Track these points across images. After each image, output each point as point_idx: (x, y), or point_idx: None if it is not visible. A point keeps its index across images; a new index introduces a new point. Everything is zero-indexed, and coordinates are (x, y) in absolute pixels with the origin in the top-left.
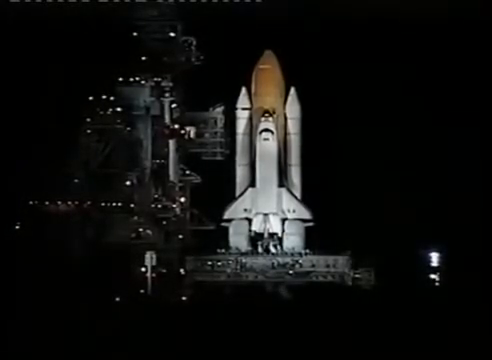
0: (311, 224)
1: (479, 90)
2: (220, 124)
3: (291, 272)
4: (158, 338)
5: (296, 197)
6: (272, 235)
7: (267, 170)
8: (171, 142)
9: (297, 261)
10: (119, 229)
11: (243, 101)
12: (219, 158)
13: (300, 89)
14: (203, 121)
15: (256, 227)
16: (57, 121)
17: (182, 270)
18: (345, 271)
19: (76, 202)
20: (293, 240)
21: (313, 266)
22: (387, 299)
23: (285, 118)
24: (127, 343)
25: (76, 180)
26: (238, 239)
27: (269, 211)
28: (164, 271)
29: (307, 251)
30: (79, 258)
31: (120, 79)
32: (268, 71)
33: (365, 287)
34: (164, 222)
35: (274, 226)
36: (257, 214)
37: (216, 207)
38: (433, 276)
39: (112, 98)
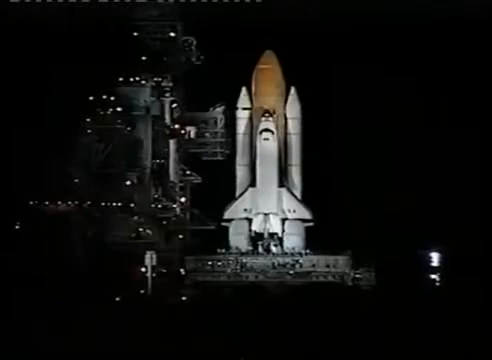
0: (311, 224)
1: (479, 90)
2: (220, 124)
3: (291, 272)
4: (158, 338)
5: (296, 197)
6: (272, 235)
7: (267, 170)
8: (171, 142)
9: (297, 261)
10: (119, 229)
11: (243, 101)
12: (219, 158)
13: (300, 89)
14: (203, 121)
15: (256, 227)
16: (57, 121)
17: (182, 270)
18: (345, 271)
19: (76, 202)
20: (293, 240)
21: (313, 266)
22: (387, 299)
23: (285, 118)
24: (127, 343)
25: (76, 180)
26: (238, 239)
27: (269, 211)
28: (164, 271)
29: (307, 251)
30: (79, 258)
31: (120, 79)
32: (268, 71)
33: (365, 287)
34: (164, 222)
35: (274, 226)
36: (257, 214)
37: (216, 207)
38: (433, 276)
39: (112, 98)
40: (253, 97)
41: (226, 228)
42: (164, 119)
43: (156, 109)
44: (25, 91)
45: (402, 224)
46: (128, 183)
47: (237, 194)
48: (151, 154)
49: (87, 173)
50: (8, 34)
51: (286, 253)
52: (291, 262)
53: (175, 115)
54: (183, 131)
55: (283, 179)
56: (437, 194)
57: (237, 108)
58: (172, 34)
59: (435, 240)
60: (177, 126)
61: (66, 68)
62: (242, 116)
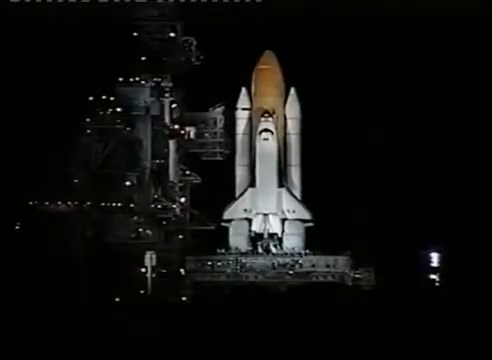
0: (311, 224)
1: (479, 90)
2: (220, 124)
3: (291, 272)
4: (158, 338)
5: (296, 197)
6: (272, 235)
7: (267, 170)
8: (171, 142)
9: (297, 261)
10: (119, 229)
11: (243, 101)
12: (219, 158)
13: (300, 89)
14: (203, 121)
15: (256, 227)
16: (57, 121)
17: (182, 270)
18: (345, 271)
19: (76, 202)
20: (293, 240)
21: (313, 266)
22: (387, 299)
23: (285, 118)
24: (127, 343)
25: (76, 180)
26: (238, 239)
27: (269, 211)
28: (164, 271)
29: (307, 251)
30: (79, 258)
31: (120, 79)
32: (268, 71)
33: (365, 287)
34: (164, 222)
35: (274, 226)
36: (257, 214)
37: (216, 207)
38: (433, 276)
39: (112, 98)
40: (253, 97)
41: (226, 228)
42: (164, 119)
43: (156, 109)
44: (25, 91)
45: (402, 224)
46: (128, 183)
47: (237, 194)
48: (151, 154)
49: (87, 173)
50: (8, 34)
51: (286, 253)
52: (291, 262)
53: (175, 115)
54: (183, 131)
55: (283, 179)
56: (437, 194)
57: (237, 108)
58: (172, 34)
59: (435, 240)
60: (177, 126)
61: (66, 68)
62: (242, 116)
